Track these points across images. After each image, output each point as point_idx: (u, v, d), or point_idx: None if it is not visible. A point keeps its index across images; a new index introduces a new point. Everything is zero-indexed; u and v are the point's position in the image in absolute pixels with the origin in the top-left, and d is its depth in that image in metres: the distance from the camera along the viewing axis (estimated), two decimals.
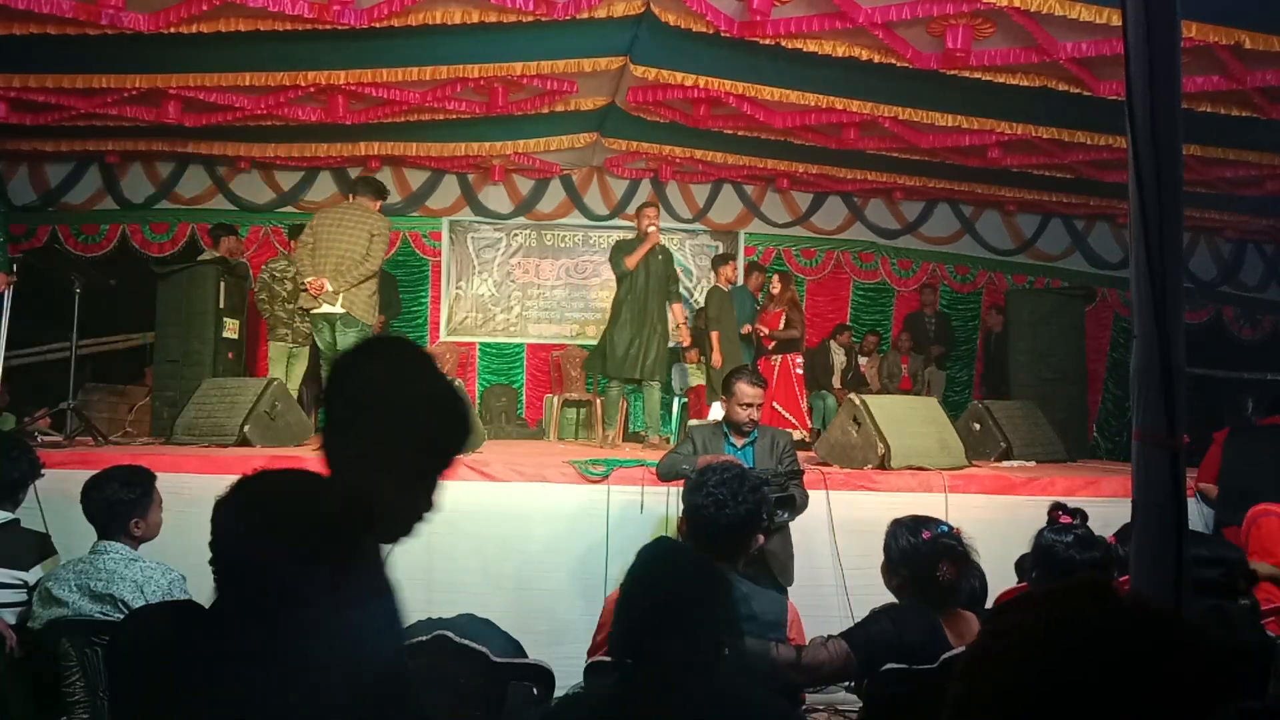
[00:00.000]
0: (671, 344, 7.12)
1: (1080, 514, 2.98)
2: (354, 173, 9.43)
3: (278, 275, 7.38)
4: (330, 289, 5.70)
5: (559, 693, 2.42)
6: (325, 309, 5.76)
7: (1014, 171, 8.34)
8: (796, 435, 6.77)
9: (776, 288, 7.93)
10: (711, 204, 9.76)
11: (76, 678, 2.69)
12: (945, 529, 2.56)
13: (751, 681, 1.97)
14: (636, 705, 1.65)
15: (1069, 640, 0.87)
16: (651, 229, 6.55)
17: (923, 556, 2.52)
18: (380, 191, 6.24)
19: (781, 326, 7.77)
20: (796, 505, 4.09)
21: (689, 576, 1.79)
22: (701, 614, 1.72)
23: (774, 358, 7.71)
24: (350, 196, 6.28)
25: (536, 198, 9.73)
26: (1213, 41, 5.32)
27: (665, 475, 4.38)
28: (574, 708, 1.79)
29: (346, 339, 5.74)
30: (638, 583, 1.80)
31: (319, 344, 6.24)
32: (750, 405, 4.28)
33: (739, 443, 4.33)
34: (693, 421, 6.06)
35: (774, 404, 7.46)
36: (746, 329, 7.80)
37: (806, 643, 2.54)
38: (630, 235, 6.90)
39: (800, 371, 7.97)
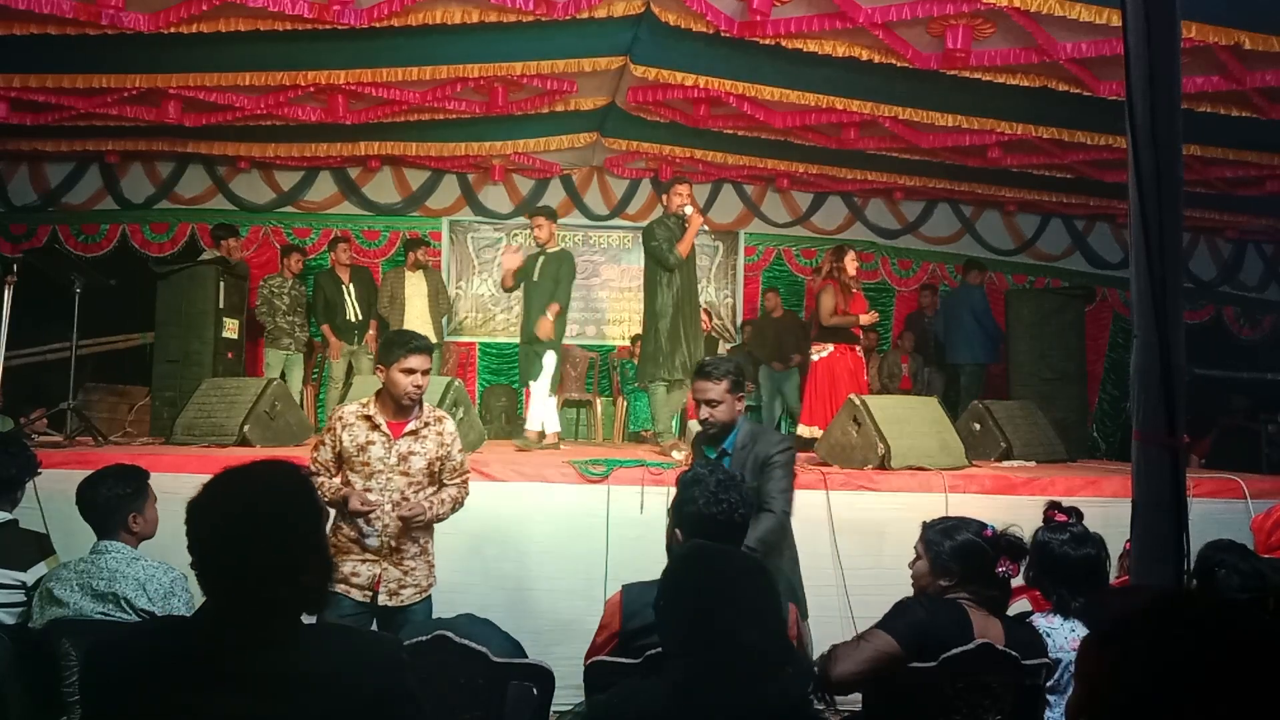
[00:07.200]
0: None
1: (1075, 512, 2.98)
2: (354, 173, 9.46)
3: (276, 290, 8.07)
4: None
5: (558, 693, 2.42)
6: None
7: (1014, 171, 8.34)
8: None
9: (854, 267, 6.60)
10: (711, 204, 9.75)
11: (76, 678, 2.69)
12: (992, 528, 2.59)
13: (806, 683, 1.97)
14: (701, 703, 1.64)
15: (1182, 633, 0.96)
16: (689, 209, 6.02)
17: (985, 554, 2.53)
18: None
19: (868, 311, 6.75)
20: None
21: (752, 574, 1.80)
22: (768, 613, 1.73)
23: (859, 348, 6.73)
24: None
25: (536, 198, 9.71)
26: (1213, 42, 5.32)
27: None
28: (622, 708, 1.76)
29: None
30: (694, 579, 1.79)
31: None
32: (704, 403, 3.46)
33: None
34: (692, 422, 6.00)
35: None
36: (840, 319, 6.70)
37: (799, 641, 2.53)
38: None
39: None
